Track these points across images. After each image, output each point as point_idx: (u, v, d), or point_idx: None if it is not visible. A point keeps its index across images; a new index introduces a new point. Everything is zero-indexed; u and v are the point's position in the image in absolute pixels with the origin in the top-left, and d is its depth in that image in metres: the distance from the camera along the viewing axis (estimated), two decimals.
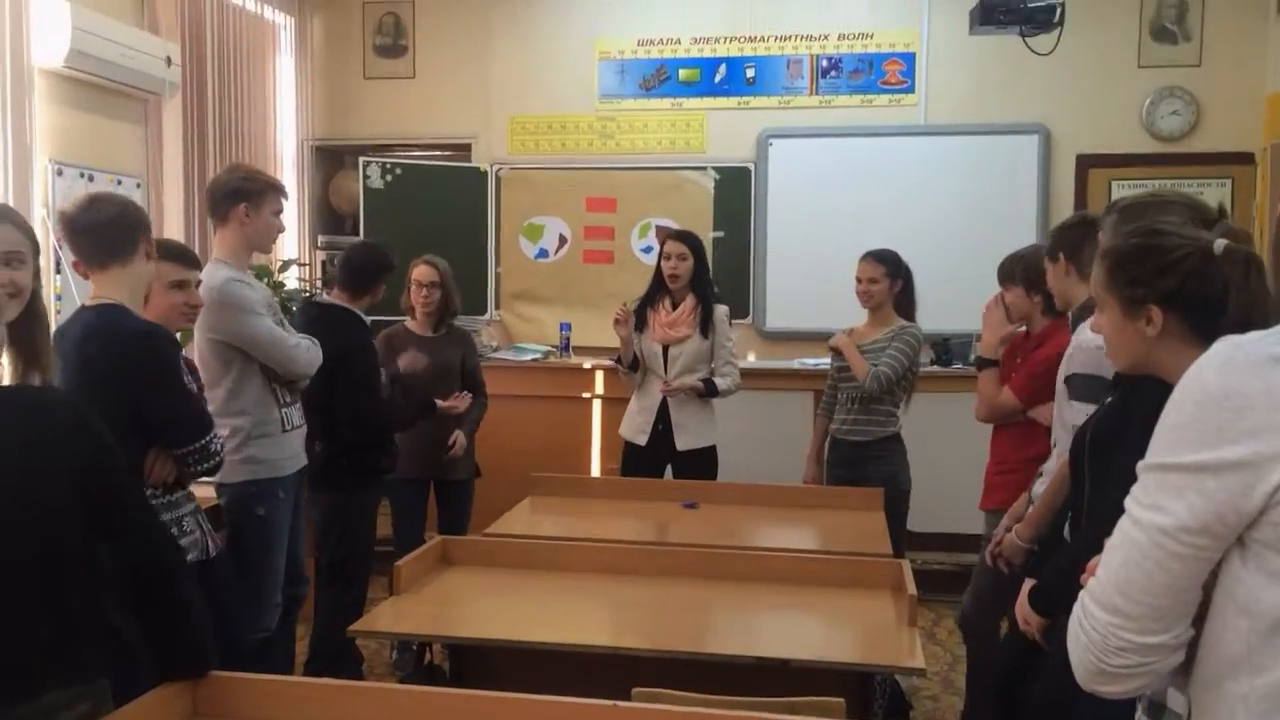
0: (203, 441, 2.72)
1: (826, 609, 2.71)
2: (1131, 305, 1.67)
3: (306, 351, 3.39)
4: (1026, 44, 4.09)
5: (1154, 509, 1.16)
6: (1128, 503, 1.20)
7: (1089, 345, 2.51)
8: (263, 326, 3.27)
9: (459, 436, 4.31)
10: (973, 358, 5.28)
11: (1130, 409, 2.01)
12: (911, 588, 2.56)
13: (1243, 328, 1.32)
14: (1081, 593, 1.24)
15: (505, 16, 6.23)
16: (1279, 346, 1.12)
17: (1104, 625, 1.19)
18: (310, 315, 3.83)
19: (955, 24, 5.19)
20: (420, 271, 4.34)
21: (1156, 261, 1.65)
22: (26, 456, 1.67)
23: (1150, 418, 1.22)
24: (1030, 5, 3.92)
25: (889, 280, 4.12)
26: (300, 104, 6.17)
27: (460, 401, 4.21)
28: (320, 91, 6.32)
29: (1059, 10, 3.96)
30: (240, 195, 3.31)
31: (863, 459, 4.09)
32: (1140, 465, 1.19)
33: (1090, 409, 2.43)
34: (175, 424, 2.70)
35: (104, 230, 2.61)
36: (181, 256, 2.96)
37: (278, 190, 3.43)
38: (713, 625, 2.68)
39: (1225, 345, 1.15)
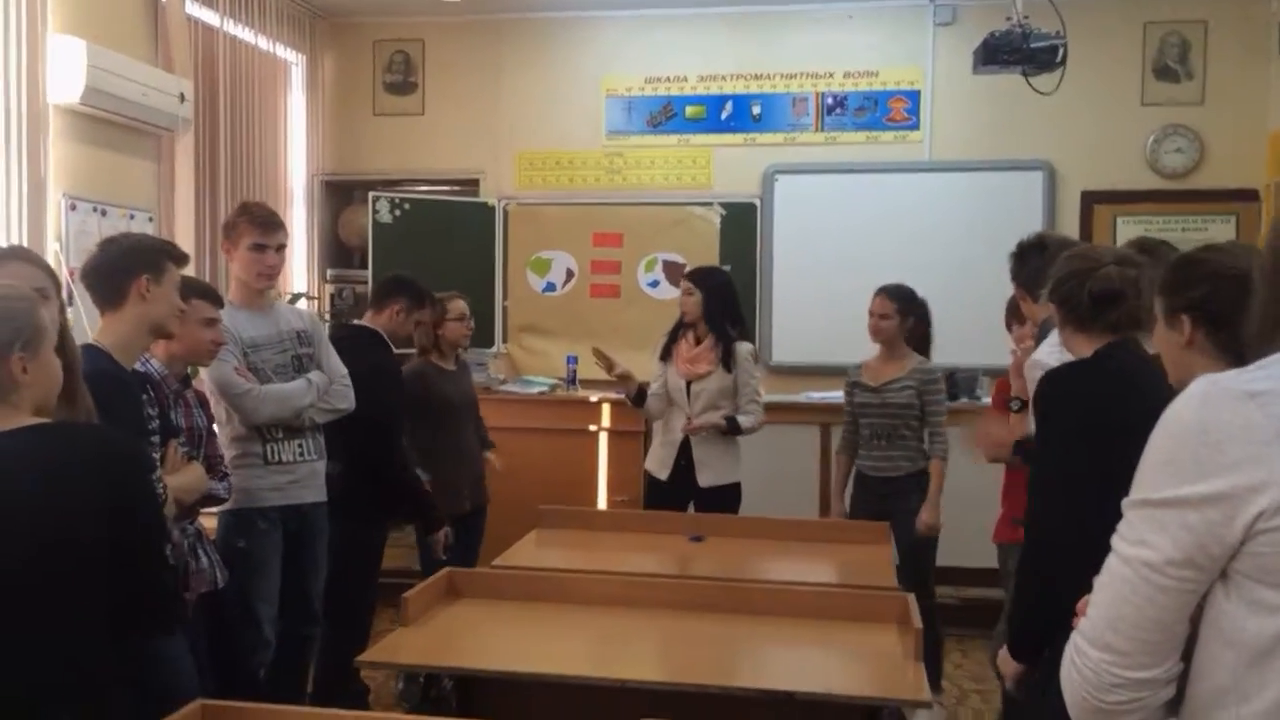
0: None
1: (832, 642, 2.71)
2: (1169, 315, 1.72)
3: (257, 400, 3.27)
4: (1029, 84, 4.12)
5: (1139, 544, 1.18)
6: (1114, 540, 1.22)
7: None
8: (215, 372, 3.26)
9: (497, 454, 4.59)
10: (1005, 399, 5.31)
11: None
12: (917, 621, 2.56)
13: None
14: (1074, 634, 1.26)
15: (514, 54, 6.30)
16: (1255, 383, 1.15)
17: (1096, 663, 1.21)
18: (336, 336, 3.86)
19: (960, 62, 5.24)
20: (461, 305, 4.39)
21: (1188, 274, 1.70)
22: (51, 494, 1.67)
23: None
24: (1033, 46, 3.93)
25: (899, 317, 4.17)
26: (311, 140, 6.24)
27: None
28: (330, 127, 6.39)
29: (1061, 50, 3.98)
30: (224, 234, 3.46)
31: (890, 494, 4.13)
32: (1125, 502, 1.22)
33: None
34: None
35: (90, 278, 2.66)
36: (213, 295, 3.10)
37: (248, 219, 3.37)
38: (719, 658, 2.67)
39: (1203, 382, 1.18)
